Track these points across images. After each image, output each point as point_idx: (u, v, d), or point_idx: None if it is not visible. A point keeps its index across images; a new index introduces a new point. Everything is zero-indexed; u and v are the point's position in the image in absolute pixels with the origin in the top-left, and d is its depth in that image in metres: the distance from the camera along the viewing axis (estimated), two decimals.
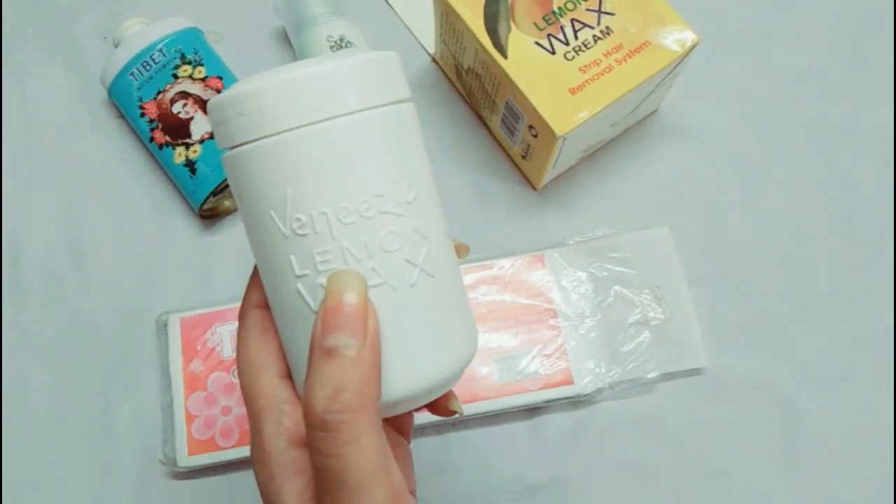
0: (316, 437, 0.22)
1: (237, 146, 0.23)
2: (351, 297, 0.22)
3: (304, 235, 0.23)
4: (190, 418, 0.42)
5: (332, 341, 0.22)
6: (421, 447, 0.43)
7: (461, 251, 0.29)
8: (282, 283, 0.24)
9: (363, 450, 0.22)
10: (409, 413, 0.31)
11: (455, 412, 0.30)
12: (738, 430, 0.43)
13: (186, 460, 0.41)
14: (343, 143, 0.23)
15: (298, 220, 0.23)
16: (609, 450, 0.43)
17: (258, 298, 0.26)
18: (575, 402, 0.43)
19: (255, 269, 0.26)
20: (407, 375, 0.24)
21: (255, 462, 0.25)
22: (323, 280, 0.23)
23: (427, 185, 0.25)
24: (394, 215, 0.23)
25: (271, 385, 0.25)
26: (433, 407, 0.30)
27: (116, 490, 0.43)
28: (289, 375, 0.26)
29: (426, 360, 0.24)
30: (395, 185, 0.24)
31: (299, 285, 0.23)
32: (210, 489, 0.42)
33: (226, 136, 0.24)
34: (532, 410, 0.43)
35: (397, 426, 0.30)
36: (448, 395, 0.29)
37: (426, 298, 0.24)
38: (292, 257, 0.23)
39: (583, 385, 0.42)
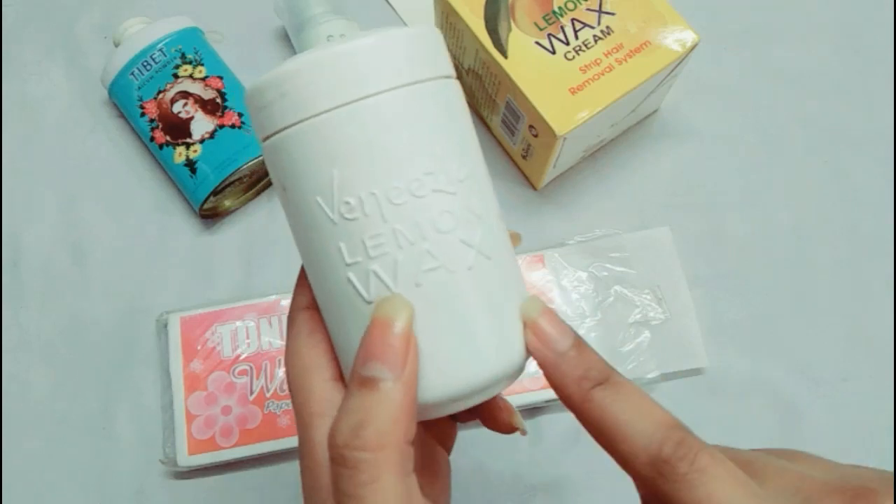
0: (335, 472, 0.21)
1: (278, 131, 0.22)
2: (397, 327, 0.21)
3: (353, 220, 0.22)
4: (190, 418, 0.42)
5: (368, 371, 0.21)
6: None
7: (514, 239, 0.27)
8: (331, 275, 0.23)
9: (381, 493, 0.20)
10: (454, 425, 0.30)
11: (517, 429, 0.28)
12: (738, 430, 0.43)
13: (186, 460, 0.41)
14: (389, 118, 0.22)
15: (347, 203, 0.22)
16: None
17: (306, 300, 0.25)
18: None
19: (302, 271, 0.25)
20: (464, 368, 0.22)
21: (304, 471, 0.23)
22: (376, 266, 0.22)
23: (477, 164, 0.24)
24: (446, 193, 0.22)
25: (324, 388, 0.23)
26: (493, 423, 0.28)
27: (116, 490, 0.43)
28: (341, 378, 0.24)
29: (486, 351, 0.23)
30: (445, 163, 0.22)
31: (350, 274, 0.22)
32: (210, 489, 0.42)
33: (267, 122, 0.23)
34: (532, 410, 0.43)
35: (441, 438, 0.29)
36: (510, 411, 0.28)
37: (485, 282, 0.23)
38: (342, 244, 0.22)
39: None
